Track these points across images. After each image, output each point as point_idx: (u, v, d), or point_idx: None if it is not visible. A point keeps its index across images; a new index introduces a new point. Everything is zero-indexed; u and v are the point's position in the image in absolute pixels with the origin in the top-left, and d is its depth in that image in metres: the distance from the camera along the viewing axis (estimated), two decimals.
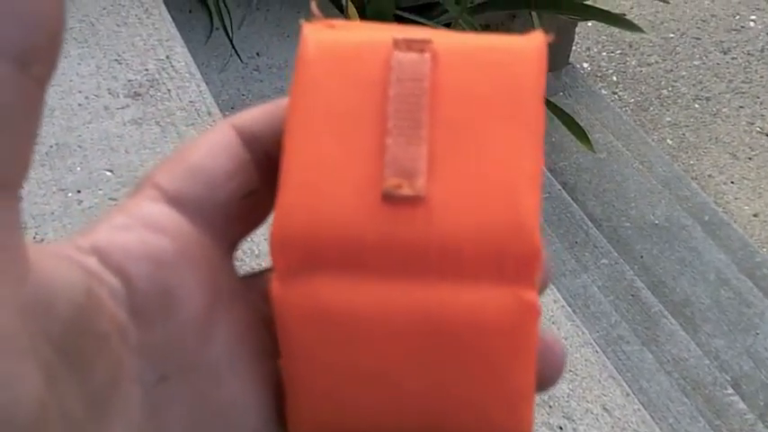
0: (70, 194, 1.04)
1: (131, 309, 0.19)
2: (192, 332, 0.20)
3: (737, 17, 3.00)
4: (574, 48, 2.56)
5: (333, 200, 0.19)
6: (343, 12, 1.63)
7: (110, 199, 1.04)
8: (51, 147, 1.10)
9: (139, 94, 1.17)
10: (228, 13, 1.63)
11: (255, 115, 0.23)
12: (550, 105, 1.95)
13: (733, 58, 2.83)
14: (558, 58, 2.42)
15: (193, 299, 0.20)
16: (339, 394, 0.20)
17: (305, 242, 0.19)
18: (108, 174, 1.07)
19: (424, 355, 0.19)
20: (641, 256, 1.93)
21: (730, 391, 1.62)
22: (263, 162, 0.22)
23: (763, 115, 2.63)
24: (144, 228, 0.20)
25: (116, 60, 1.22)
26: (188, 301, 0.20)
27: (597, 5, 2.27)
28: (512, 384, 0.20)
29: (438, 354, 0.19)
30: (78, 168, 1.07)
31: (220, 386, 0.21)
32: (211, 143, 0.22)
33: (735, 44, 2.89)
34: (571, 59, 2.53)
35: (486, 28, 2.16)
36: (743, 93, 2.71)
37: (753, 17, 3.00)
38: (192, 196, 0.21)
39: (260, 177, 0.22)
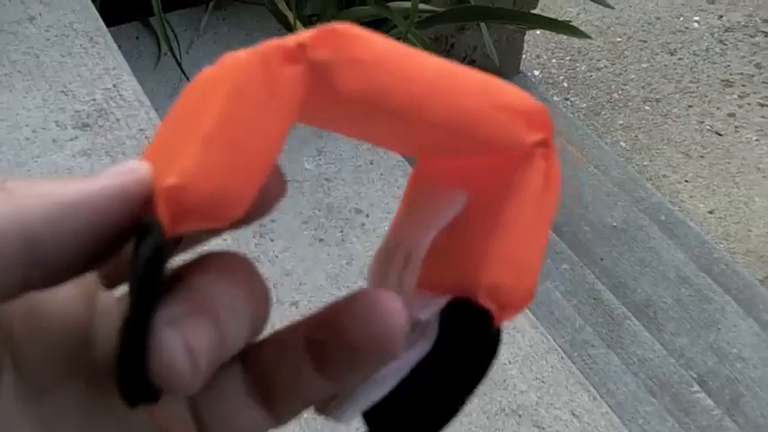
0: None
1: None
2: (69, 341, 0.21)
3: (681, 18, 3.06)
4: (523, 56, 2.58)
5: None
6: (291, 31, 1.63)
7: None
8: None
9: (88, 125, 1.15)
10: (176, 37, 1.62)
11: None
12: None
13: (680, 59, 2.89)
14: (508, 66, 2.44)
15: (67, 310, 0.21)
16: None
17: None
18: None
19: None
20: (601, 259, 1.94)
21: (696, 388, 1.63)
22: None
23: (712, 114, 2.68)
24: None
25: (62, 92, 1.20)
26: (60, 313, 0.21)
27: (543, 14, 2.29)
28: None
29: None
30: None
31: (109, 391, 0.21)
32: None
33: (680, 45, 2.95)
34: (521, 68, 2.55)
35: (436, 41, 2.17)
36: (691, 92, 2.76)
37: (696, 18, 3.06)
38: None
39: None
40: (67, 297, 0.22)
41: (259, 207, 0.21)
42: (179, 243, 0.20)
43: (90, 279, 0.23)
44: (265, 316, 0.22)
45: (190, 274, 0.21)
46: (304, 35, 0.20)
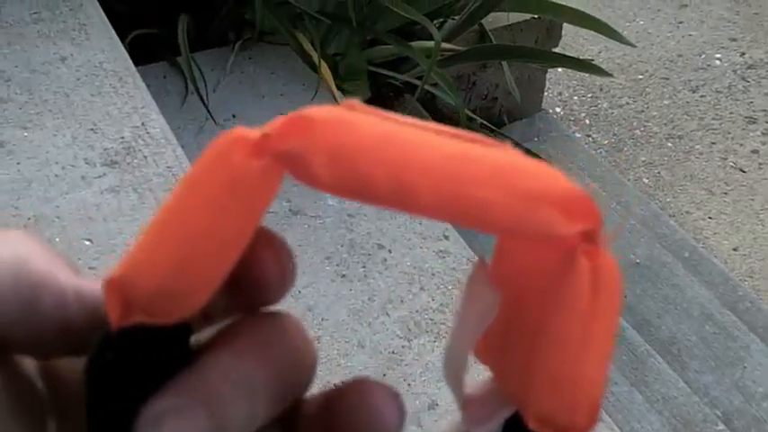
0: None
1: None
2: None
3: (703, 56, 3.06)
4: (545, 93, 2.60)
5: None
6: (316, 71, 1.66)
7: (89, 268, 1.04)
8: (29, 219, 1.10)
9: (116, 162, 1.18)
10: (203, 76, 1.65)
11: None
12: (525, 152, 1.98)
13: (702, 96, 2.89)
14: (530, 104, 2.46)
15: None
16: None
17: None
18: (87, 243, 1.07)
19: None
20: (625, 297, 1.93)
21: (721, 427, 1.61)
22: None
23: (735, 150, 2.67)
24: None
25: (91, 130, 1.23)
26: None
27: (565, 52, 2.31)
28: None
29: None
30: (57, 239, 1.07)
31: None
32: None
33: (702, 82, 2.95)
34: (543, 105, 2.57)
35: (458, 79, 2.19)
36: (714, 129, 2.76)
37: (718, 55, 3.07)
38: None
39: None
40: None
41: (261, 296, 0.21)
42: (150, 331, 0.19)
43: None
44: (306, 379, 0.22)
45: (209, 349, 0.20)
46: (272, 124, 0.19)
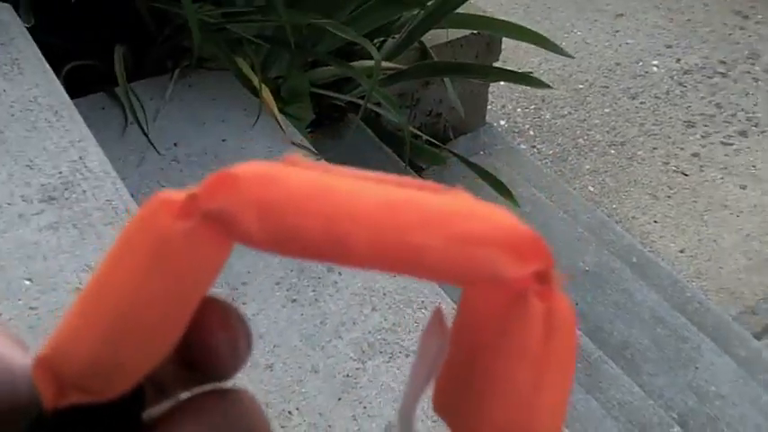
0: None
1: None
2: None
3: (641, 63, 3.13)
4: (489, 107, 2.62)
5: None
6: (257, 95, 1.65)
7: (30, 308, 1.01)
8: None
9: (54, 198, 1.15)
10: (142, 106, 1.63)
11: None
12: (472, 166, 1.99)
13: (641, 103, 2.95)
14: (474, 118, 2.48)
15: None
16: None
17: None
18: (27, 282, 1.05)
19: None
20: (576, 304, 1.95)
21: (677, 429, 1.63)
22: None
23: (676, 154, 2.73)
24: None
25: (28, 166, 1.21)
26: None
27: (505, 66, 2.34)
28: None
29: None
30: None
31: None
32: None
33: (641, 89, 3.01)
34: (487, 119, 2.59)
35: (401, 96, 2.20)
36: (655, 135, 2.81)
37: (655, 62, 3.13)
38: None
39: None
40: None
41: (213, 372, 0.20)
42: (85, 410, 0.19)
43: None
44: None
45: (162, 427, 0.20)
46: (199, 185, 0.18)
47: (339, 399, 1.15)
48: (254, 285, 1.36)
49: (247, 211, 0.18)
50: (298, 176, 0.18)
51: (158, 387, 0.20)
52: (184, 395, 0.21)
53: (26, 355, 0.20)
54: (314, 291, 1.37)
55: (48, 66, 1.41)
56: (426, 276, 0.19)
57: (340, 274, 1.39)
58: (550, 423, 0.19)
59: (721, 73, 3.07)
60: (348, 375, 1.19)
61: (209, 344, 0.20)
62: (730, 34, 3.26)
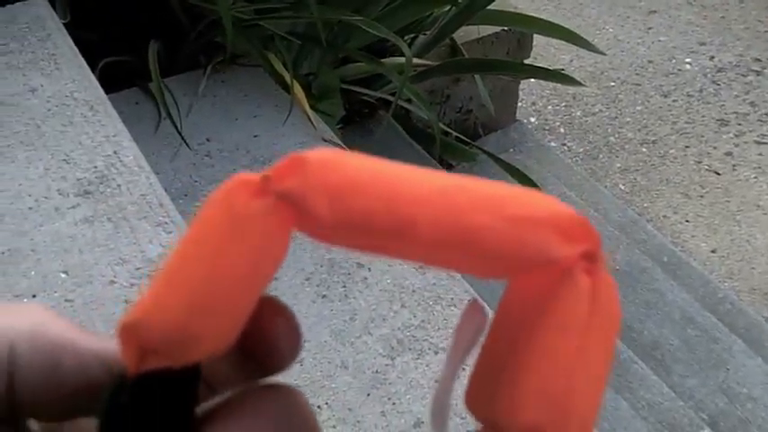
0: (25, 300, 1.03)
1: None
2: None
3: (674, 61, 3.10)
4: (519, 104, 2.61)
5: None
6: (288, 91, 1.66)
7: (66, 300, 1.03)
8: (3, 253, 1.09)
9: (89, 192, 1.17)
10: (175, 101, 1.65)
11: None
12: (501, 163, 1.99)
13: (674, 101, 2.92)
14: (504, 115, 2.47)
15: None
16: None
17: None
18: (63, 275, 1.06)
19: None
20: None
21: (707, 430, 1.62)
22: None
23: (709, 153, 2.70)
24: None
25: (64, 160, 1.22)
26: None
27: (536, 63, 2.33)
28: None
29: None
30: (32, 273, 1.06)
31: None
32: None
33: (674, 87, 2.98)
34: (518, 116, 2.58)
35: (432, 93, 2.20)
36: (687, 133, 2.78)
37: (688, 60, 3.10)
38: None
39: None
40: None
41: (272, 363, 0.21)
42: (165, 380, 0.20)
43: None
44: None
45: (215, 421, 0.20)
46: (271, 168, 0.19)
47: (368, 394, 1.16)
48: (285, 281, 1.37)
49: (318, 194, 0.19)
50: (359, 163, 0.19)
51: (209, 385, 0.21)
52: (236, 391, 0.21)
53: (89, 337, 0.21)
54: (344, 287, 1.37)
55: (83, 61, 1.43)
56: (479, 261, 0.19)
57: (369, 270, 1.39)
58: (589, 391, 0.19)
59: (756, 71, 3.03)
60: (377, 371, 1.20)
61: (270, 330, 0.21)
62: (766, 31, 3.22)
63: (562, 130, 2.80)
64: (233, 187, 0.19)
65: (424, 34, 2.03)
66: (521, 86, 2.58)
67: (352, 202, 0.19)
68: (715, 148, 2.72)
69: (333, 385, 1.17)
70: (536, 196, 0.19)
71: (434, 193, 0.19)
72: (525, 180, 1.92)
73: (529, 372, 0.19)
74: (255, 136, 1.62)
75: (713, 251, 2.35)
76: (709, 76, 3.02)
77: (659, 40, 3.20)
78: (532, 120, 2.82)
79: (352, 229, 0.19)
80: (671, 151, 2.71)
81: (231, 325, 0.19)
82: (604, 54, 2.27)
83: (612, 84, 2.99)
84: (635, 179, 2.61)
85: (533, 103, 2.88)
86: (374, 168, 0.19)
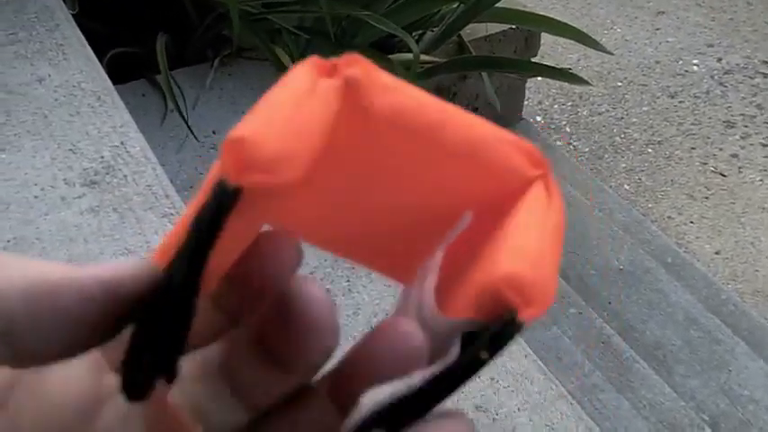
0: None
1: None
2: (69, 420, 0.22)
3: (680, 62, 3.09)
4: (526, 102, 2.61)
5: None
6: None
7: None
8: (8, 241, 1.09)
9: (95, 182, 1.17)
10: (182, 94, 1.65)
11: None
12: None
13: (680, 102, 2.91)
14: (510, 113, 2.47)
15: (70, 389, 0.22)
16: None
17: None
18: None
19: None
20: (609, 303, 1.94)
21: (708, 431, 1.62)
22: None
23: (715, 155, 2.69)
24: None
25: (70, 150, 1.23)
26: (62, 391, 0.22)
27: (543, 61, 2.33)
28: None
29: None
30: None
31: None
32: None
33: (681, 88, 2.97)
34: (524, 114, 2.58)
35: (438, 91, 2.20)
36: (693, 135, 2.78)
37: (695, 61, 3.09)
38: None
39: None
40: (73, 375, 0.22)
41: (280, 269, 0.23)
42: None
43: (100, 358, 0.23)
44: None
45: None
46: (336, 59, 0.22)
47: None
48: None
49: (373, 87, 0.22)
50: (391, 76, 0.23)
51: (236, 391, 0.23)
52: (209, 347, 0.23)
53: (92, 266, 0.21)
54: (348, 281, 1.37)
55: (91, 52, 1.43)
56: (479, 172, 0.23)
57: None
58: (553, 257, 0.23)
59: (763, 73, 3.02)
60: None
61: (277, 247, 0.23)
62: None
63: (568, 129, 2.80)
64: (309, 65, 0.22)
65: (432, 31, 2.03)
66: (527, 85, 2.57)
67: (400, 99, 0.22)
68: (721, 149, 2.71)
69: None
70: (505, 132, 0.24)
71: (444, 107, 0.23)
72: None
73: (505, 241, 0.22)
74: None
75: (717, 253, 2.35)
76: (716, 77, 3.01)
77: (667, 41, 3.20)
78: (538, 118, 2.82)
79: (393, 123, 0.22)
80: (677, 152, 2.71)
81: (309, 160, 0.21)
82: (612, 54, 2.26)
83: (619, 84, 2.99)
84: (640, 179, 2.61)
85: (540, 102, 2.88)
86: (401, 81, 0.23)
